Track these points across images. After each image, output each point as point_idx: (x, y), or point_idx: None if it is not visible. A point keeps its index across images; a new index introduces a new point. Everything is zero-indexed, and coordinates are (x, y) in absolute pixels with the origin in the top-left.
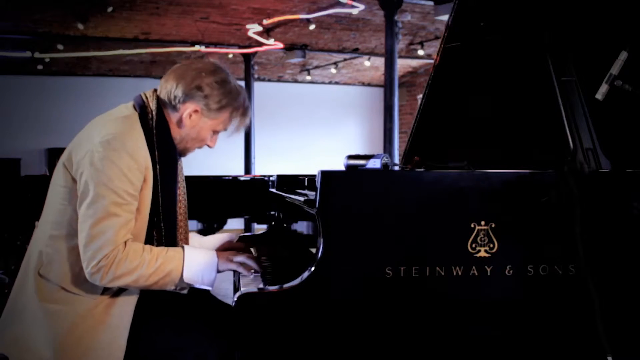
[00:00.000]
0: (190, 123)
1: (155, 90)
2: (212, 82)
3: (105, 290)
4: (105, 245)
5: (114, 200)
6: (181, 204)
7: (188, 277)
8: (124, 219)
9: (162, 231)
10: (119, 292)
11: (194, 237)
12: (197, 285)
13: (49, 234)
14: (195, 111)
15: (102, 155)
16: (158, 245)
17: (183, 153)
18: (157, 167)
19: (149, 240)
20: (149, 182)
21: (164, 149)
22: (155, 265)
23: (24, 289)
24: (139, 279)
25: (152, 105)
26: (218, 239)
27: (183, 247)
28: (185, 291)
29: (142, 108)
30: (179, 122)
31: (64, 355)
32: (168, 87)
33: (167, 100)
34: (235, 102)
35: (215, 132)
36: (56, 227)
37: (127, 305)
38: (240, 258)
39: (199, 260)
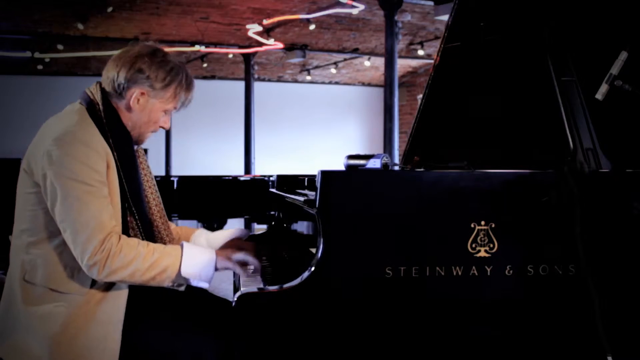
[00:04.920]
0: (139, 107)
1: (99, 83)
2: (152, 63)
3: (94, 286)
4: (93, 235)
5: (85, 190)
6: (152, 198)
7: (186, 273)
8: (100, 204)
9: (137, 221)
10: (109, 287)
11: (202, 234)
12: (194, 283)
13: (26, 242)
14: (142, 94)
15: (59, 152)
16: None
17: (139, 140)
18: (115, 154)
19: (125, 234)
20: (113, 167)
21: (117, 135)
22: (151, 260)
23: (12, 301)
24: (135, 273)
25: (98, 96)
26: (225, 235)
27: (182, 245)
28: (182, 288)
29: (88, 102)
30: (128, 108)
31: (60, 355)
32: (110, 76)
33: (112, 90)
34: (178, 77)
35: (166, 112)
36: (32, 233)
37: (118, 300)
38: (239, 255)
39: (197, 257)
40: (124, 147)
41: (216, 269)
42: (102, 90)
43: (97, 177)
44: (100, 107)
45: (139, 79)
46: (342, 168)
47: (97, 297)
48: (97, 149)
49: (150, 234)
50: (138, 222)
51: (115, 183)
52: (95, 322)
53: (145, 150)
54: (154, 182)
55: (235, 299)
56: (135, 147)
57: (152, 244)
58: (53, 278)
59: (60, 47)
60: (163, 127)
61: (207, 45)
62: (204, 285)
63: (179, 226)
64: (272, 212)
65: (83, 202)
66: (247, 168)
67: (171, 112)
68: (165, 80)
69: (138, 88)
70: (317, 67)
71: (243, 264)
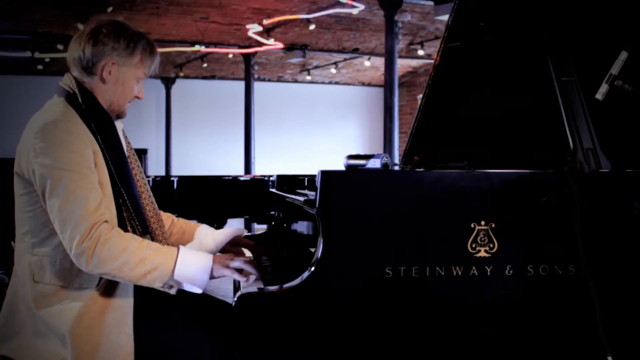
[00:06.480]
0: (113, 78)
1: (69, 73)
2: (112, 33)
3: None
4: (79, 222)
5: (71, 178)
6: (140, 178)
7: (179, 275)
8: (88, 192)
9: (128, 204)
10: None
11: (206, 231)
12: (187, 288)
13: (30, 244)
14: (112, 64)
15: (42, 144)
16: (133, 231)
17: (120, 114)
18: (98, 137)
19: (121, 225)
20: (99, 154)
21: (99, 119)
22: (142, 255)
23: (19, 303)
24: (124, 266)
25: (73, 85)
26: (226, 233)
27: (179, 248)
28: (173, 291)
29: (66, 93)
30: (103, 81)
31: (79, 346)
32: (76, 57)
33: (82, 71)
34: (140, 43)
35: (138, 80)
36: (34, 234)
37: (128, 286)
38: (237, 263)
39: (193, 261)
40: (107, 129)
41: (213, 277)
42: (75, 78)
43: (84, 163)
44: (77, 93)
45: (105, 51)
46: (342, 168)
47: (107, 287)
48: (81, 137)
49: (141, 218)
50: (129, 205)
51: (104, 170)
52: (109, 310)
53: (145, 150)
54: (141, 168)
55: (236, 299)
56: (121, 131)
57: (146, 240)
58: (62, 275)
59: (60, 47)
60: (138, 97)
61: (207, 45)
62: (196, 290)
63: (181, 219)
64: (272, 212)
65: (69, 190)
66: (247, 168)
67: (142, 80)
68: (130, 46)
69: (106, 59)
70: (317, 67)
71: (241, 272)
